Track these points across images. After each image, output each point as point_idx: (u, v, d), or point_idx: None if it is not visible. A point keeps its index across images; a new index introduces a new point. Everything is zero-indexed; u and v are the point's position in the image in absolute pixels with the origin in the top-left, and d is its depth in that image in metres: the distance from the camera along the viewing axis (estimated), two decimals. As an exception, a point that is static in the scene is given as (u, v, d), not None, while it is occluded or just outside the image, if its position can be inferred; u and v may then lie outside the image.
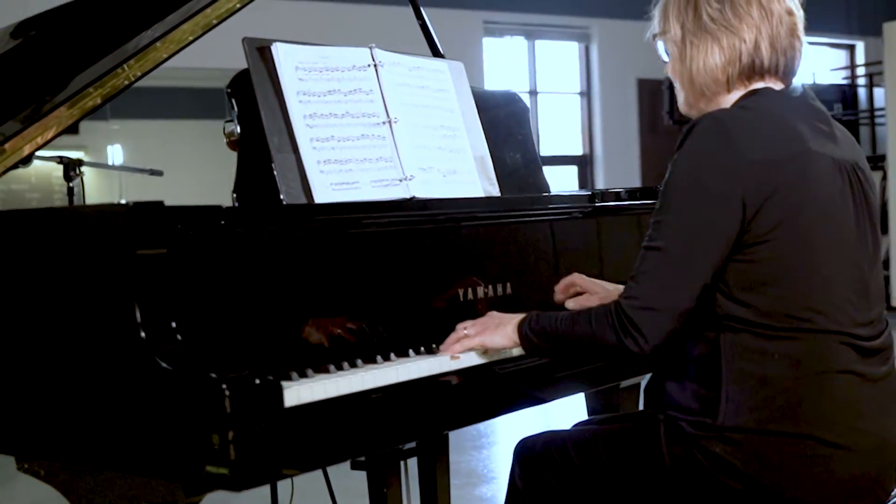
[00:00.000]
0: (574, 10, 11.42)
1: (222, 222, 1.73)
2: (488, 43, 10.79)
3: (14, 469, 1.90)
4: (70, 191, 3.36)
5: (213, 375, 1.52)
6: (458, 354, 1.92)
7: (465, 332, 1.96)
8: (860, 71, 12.93)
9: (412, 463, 2.49)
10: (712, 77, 1.85)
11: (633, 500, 1.86)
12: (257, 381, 1.54)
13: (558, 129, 11.40)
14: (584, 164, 11.54)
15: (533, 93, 11.08)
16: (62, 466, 1.79)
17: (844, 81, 12.99)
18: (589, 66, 11.94)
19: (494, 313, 2.00)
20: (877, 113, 11.69)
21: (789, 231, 1.72)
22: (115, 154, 9.91)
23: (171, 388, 1.56)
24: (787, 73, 1.88)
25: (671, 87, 10.51)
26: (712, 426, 1.75)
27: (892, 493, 1.87)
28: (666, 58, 1.95)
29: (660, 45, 1.96)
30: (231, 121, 2.80)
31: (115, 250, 1.63)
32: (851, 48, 13.48)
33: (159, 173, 3.89)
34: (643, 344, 1.75)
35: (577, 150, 11.50)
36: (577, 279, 2.26)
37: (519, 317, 1.93)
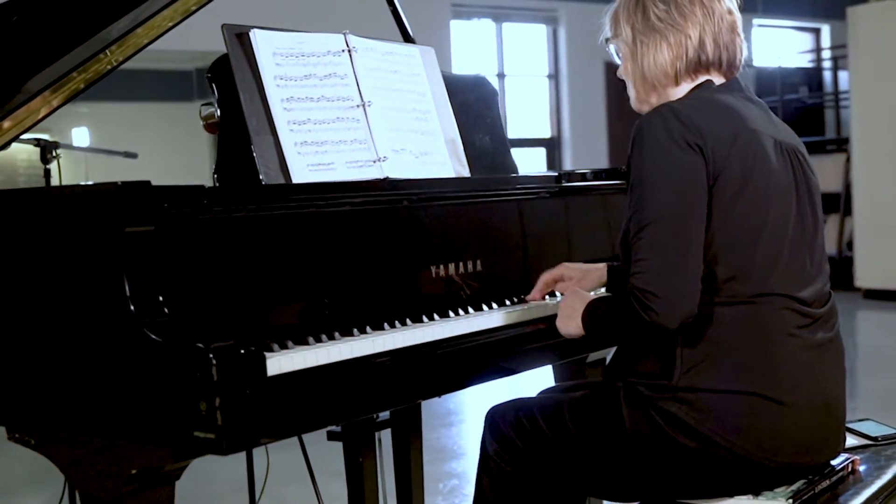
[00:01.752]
0: (542, -7, 11.51)
1: (205, 201, 1.81)
2: (456, 25, 10.85)
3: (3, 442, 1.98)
4: (47, 173, 3.42)
5: (201, 345, 1.60)
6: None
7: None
8: (825, 54, 13.11)
9: (386, 435, 2.59)
10: (662, 71, 1.99)
11: (599, 464, 1.97)
12: (242, 351, 1.62)
13: (526, 112, 11.49)
14: (552, 146, 11.63)
15: (501, 75, 11.16)
16: (54, 436, 1.86)
17: (810, 64, 13.17)
18: (556, 48, 12.02)
19: (569, 297, 2.08)
20: (841, 96, 11.87)
21: (739, 202, 1.85)
22: (81, 137, 9.87)
23: (161, 358, 1.64)
24: (729, 67, 2.03)
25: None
26: (668, 387, 1.86)
27: (838, 452, 1.99)
28: (618, 60, 2.09)
29: (612, 49, 2.11)
30: (208, 104, 2.88)
31: (104, 228, 1.70)
32: (817, 31, 13.65)
33: (133, 155, 3.95)
34: (663, 311, 1.79)
35: (546, 132, 11.60)
36: (566, 271, 2.34)
37: (582, 310, 2.00)
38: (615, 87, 12.24)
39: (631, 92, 2.10)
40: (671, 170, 1.85)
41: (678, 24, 1.98)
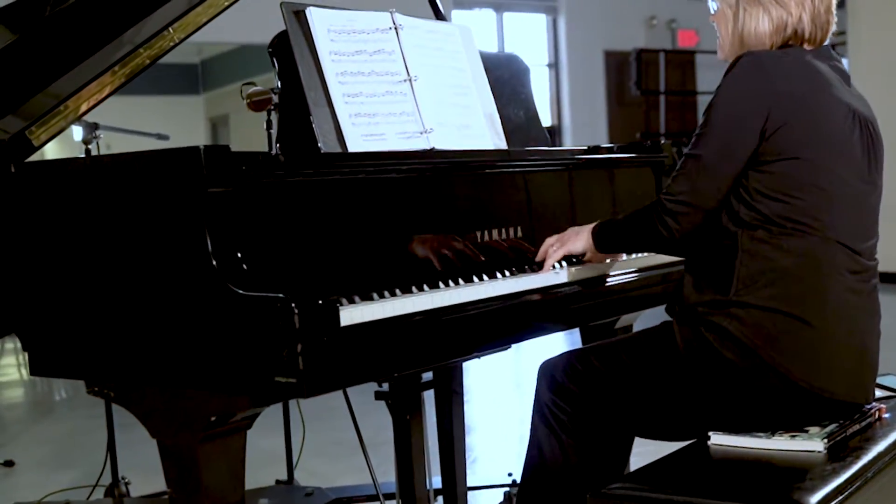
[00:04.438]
0: (542, -17, 11.63)
1: (277, 167, 1.94)
2: (458, 15, 10.98)
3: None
4: (87, 153, 3.54)
5: (283, 296, 1.73)
6: (553, 266, 2.35)
7: (553, 247, 2.34)
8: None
9: (429, 397, 2.72)
10: (760, 41, 2.14)
11: (654, 395, 2.11)
12: (319, 302, 1.75)
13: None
14: (552, 134, 11.71)
15: (503, 64, 11.24)
16: (134, 387, 1.99)
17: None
18: (556, 38, 12.15)
19: (573, 228, 2.39)
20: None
21: (803, 152, 2.01)
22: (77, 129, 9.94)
23: (243, 310, 1.76)
24: (820, 44, 2.18)
25: (638, 59, 10.70)
26: (723, 301, 2.03)
27: (868, 400, 2.13)
28: (714, 8, 2.23)
29: (713, 6, 2.24)
30: (250, 83, 3.01)
31: (187, 188, 1.83)
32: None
33: (166, 137, 4.08)
34: (674, 230, 2.10)
35: (546, 120, 11.72)
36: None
37: (591, 225, 2.34)
38: (614, 76, 12.37)
39: (723, 41, 2.23)
40: (731, 118, 2.04)
41: (782, 0, 2.12)
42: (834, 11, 2.18)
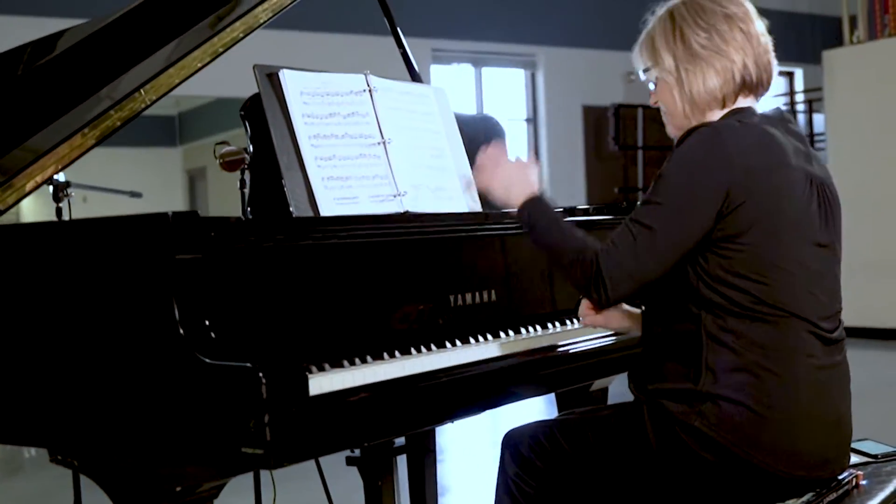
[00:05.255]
0: (520, 39, 11.70)
1: (246, 232, 1.92)
2: (436, 70, 11.03)
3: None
4: (59, 211, 3.51)
5: (249, 366, 1.69)
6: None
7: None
8: (799, 97, 13.38)
9: (401, 462, 2.68)
10: (712, 96, 2.09)
11: (623, 483, 2.06)
12: (288, 371, 1.72)
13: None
14: (530, 188, 11.74)
15: (481, 119, 11.27)
16: (97, 458, 1.95)
17: (784, 108, 13.42)
18: (535, 92, 12.22)
19: (513, 169, 2.32)
20: (816, 138, 12.11)
21: (762, 232, 1.96)
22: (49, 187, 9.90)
23: (209, 379, 1.73)
24: (764, 91, 2.16)
25: (616, 114, 10.73)
26: (693, 392, 1.97)
27: (845, 467, 2.10)
28: (653, 87, 2.19)
29: (645, 77, 2.19)
30: (222, 143, 2.99)
31: (154, 255, 1.80)
32: (790, 75, 13.94)
33: (139, 195, 4.05)
34: (605, 299, 2.03)
35: (525, 175, 11.71)
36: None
37: (531, 191, 2.22)
38: (593, 130, 12.43)
39: (670, 117, 2.18)
40: (685, 190, 1.98)
41: (722, 49, 2.08)
42: (772, 51, 2.15)
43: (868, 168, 8.80)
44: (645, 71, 2.19)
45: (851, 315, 9.04)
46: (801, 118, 12.96)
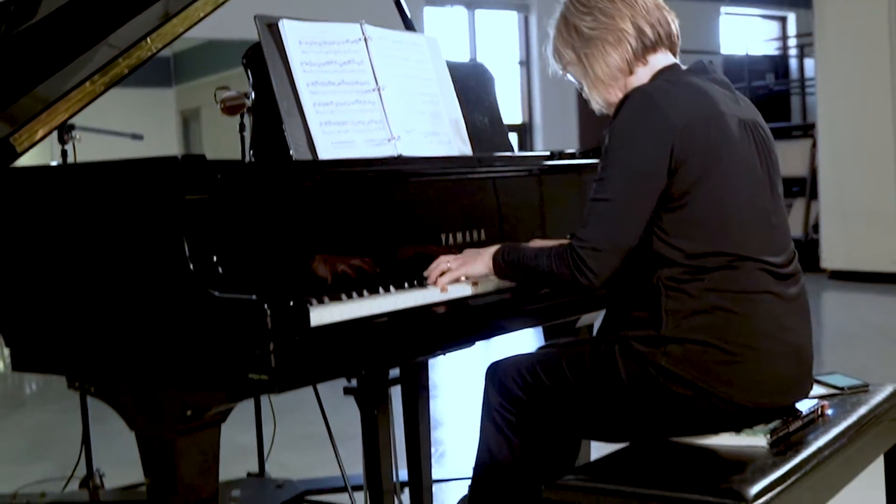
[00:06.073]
0: (513, -20, 11.70)
1: (251, 174, 2.04)
2: (429, 12, 11.03)
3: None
4: (64, 153, 3.62)
5: (255, 298, 1.83)
6: (447, 286, 2.25)
7: (448, 265, 2.29)
8: (791, 42, 13.40)
9: (395, 393, 2.83)
10: (617, 68, 2.22)
11: (597, 410, 2.21)
12: (290, 303, 1.85)
13: (499, 98, 11.65)
14: (523, 131, 11.82)
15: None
16: (114, 384, 2.08)
17: (777, 52, 13.46)
18: (528, 35, 12.21)
19: (471, 249, 2.36)
20: (807, 83, 12.15)
21: (709, 182, 2.08)
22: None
23: (218, 311, 1.87)
24: (671, 42, 2.26)
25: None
26: (656, 337, 2.10)
27: (808, 394, 2.26)
28: (576, 82, 2.32)
29: (570, 77, 2.33)
30: (223, 88, 3.10)
31: (166, 196, 1.93)
32: (783, 19, 13.96)
33: (140, 137, 4.17)
34: (593, 279, 2.11)
35: (517, 118, 11.80)
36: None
37: (494, 248, 2.30)
38: (585, 74, 12.47)
39: (595, 104, 2.31)
40: (633, 156, 2.09)
41: (609, 24, 2.20)
42: (664, 5, 2.25)
43: (858, 114, 8.85)
44: (563, 73, 2.34)
45: (842, 258, 9.26)
46: (793, 63, 13.01)
